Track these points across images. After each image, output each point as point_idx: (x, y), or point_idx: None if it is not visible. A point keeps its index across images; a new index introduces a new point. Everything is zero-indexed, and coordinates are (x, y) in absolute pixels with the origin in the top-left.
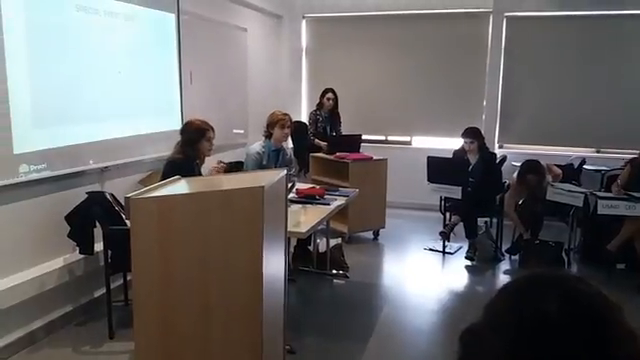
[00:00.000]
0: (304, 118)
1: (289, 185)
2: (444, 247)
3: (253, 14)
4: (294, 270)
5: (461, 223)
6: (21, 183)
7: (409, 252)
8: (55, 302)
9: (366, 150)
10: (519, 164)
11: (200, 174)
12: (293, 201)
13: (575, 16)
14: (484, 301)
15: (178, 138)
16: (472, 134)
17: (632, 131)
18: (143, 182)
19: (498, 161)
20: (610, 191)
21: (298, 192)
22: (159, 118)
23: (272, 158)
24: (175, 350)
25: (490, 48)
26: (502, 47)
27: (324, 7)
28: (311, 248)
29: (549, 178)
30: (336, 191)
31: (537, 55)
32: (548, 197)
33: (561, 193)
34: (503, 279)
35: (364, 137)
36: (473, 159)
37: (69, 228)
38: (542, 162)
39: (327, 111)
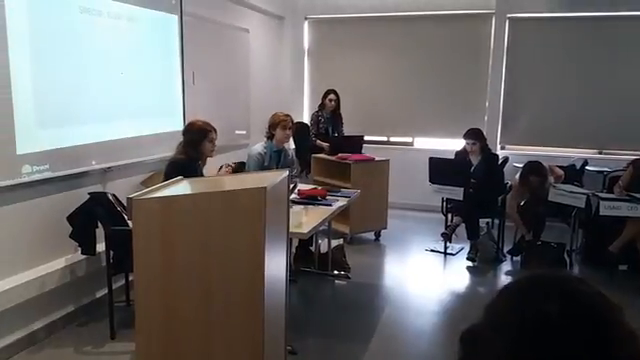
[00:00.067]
0: (306, 119)
1: (291, 186)
2: (446, 248)
3: (255, 15)
4: (296, 271)
5: (463, 224)
6: (24, 183)
7: (411, 253)
8: (57, 302)
9: (368, 151)
10: (521, 165)
11: (202, 175)
12: (295, 202)
13: (577, 17)
14: (485, 302)
15: (180, 139)
16: (474, 135)
17: (634, 132)
18: (145, 183)
19: (500, 162)
20: (612, 192)
21: (300, 193)
22: (161, 119)
23: (274, 159)
24: (176, 350)
25: (492, 49)
26: (504, 48)
27: (326, 8)
28: (313, 249)
29: (551, 179)
30: (338, 192)
31: (539, 56)
32: (550, 198)
33: (563, 194)
34: (505, 280)
35: (366, 138)
36: (475, 160)
37: (71, 228)
38: (544, 163)
39: (329, 112)
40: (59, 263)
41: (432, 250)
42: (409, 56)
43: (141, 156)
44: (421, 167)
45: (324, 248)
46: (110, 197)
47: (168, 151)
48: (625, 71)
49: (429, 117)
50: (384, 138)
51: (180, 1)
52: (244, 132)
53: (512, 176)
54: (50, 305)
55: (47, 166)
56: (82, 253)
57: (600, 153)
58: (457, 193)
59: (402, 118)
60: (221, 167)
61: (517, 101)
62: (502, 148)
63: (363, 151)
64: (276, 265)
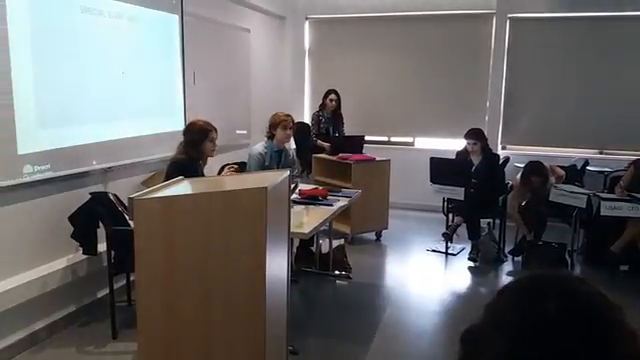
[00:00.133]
0: (307, 119)
1: (292, 186)
2: (447, 248)
3: (256, 15)
4: (297, 271)
5: (464, 224)
6: (25, 183)
7: (412, 253)
8: (58, 302)
9: (369, 151)
10: (522, 165)
11: (203, 175)
12: (296, 202)
13: (578, 17)
14: (486, 302)
15: (181, 139)
16: (475, 135)
17: (635, 132)
18: (146, 183)
19: (501, 162)
20: (613, 192)
21: (301, 193)
22: (162, 119)
23: (274, 159)
24: (178, 349)
25: (493, 49)
26: (505, 48)
27: (327, 8)
28: (314, 249)
29: (552, 179)
30: (339, 192)
31: (540, 56)
32: (551, 198)
33: (564, 194)
34: (506, 280)
35: (367, 138)
36: (476, 160)
37: (72, 228)
38: (545, 163)
39: (330, 112)
40: (60, 263)
41: (433, 250)
42: (410, 56)
43: (142, 156)
44: (422, 167)
45: (325, 248)
46: (111, 197)
47: (169, 151)
48: (626, 71)
49: (430, 117)
50: (385, 138)
51: (181, 1)
52: (245, 132)
53: (513, 176)
54: (51, 305)
55: (48, 166)
56: (83, 253)
57: (601, 153)
58: (458, 193)
59: (403, 118)
60: (223, 168)
61: (518, 101)
62: (503, 148)
63: (364, 151)
64: (277, 265)
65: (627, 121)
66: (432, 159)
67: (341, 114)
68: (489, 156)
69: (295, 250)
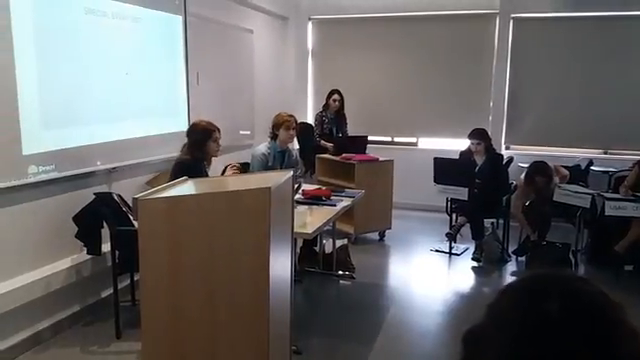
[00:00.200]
0: (310, 119)
1: (295, 186)
2: (450, 248)
3: (259, 16)
4: (300, 271)
5: (467, 224)
6: (30, 184)
7: (415, 253)
8: (62, 302)
9: (372, 151)
10: (526, 165)
11: (207, 175)
12: (299, 202)
13: (582, 17)
14: (489, 302)
15: (185, 139)
16: (479, 135)
17: (639, 132)
18: (150, 183)
19: (505, 162)
20: (618, 192)
21: (304, 193)
22: (166, 119)
23: (278, 159)
24: (182, 349)
25: (497, 49)
26: (509, 48)
27: (330, 9)
28: (317, 249)
29: (556, 179)
30: (342, 192)
31: (544, 56)
32: (555, 198)
33: (568, 194)
34: (510, 280)
35: (370, 138)
36: (480, 160)
37: (77, 229)
38: (549, 163)
39: (333, 112)
40: (65, 263)
41: (437, 250)
42: (413, 56)
43: (146, 156)
44: (425, 167)
45: (329, 248)
46: (115, 197)
47: (173, 151)
48: (630, 71)
49: (433, 117)
50: (388, 138)
51: (184, 2)
52: (248, 132)
53: (517, 176)
54: (56, 305)
55: (53, 166)
56: (88, 253)
57: (605, 153)
58: (462, 193)
59: (406, 118)
60: (225, 168)
61: (522, 101)
62: (507, 148)
63: (367, 151)
64: (281, 265)
65: (631, 121)
66: (436, 159)
67: (344, 114)
68: (493, 156)
69: (299, 250)
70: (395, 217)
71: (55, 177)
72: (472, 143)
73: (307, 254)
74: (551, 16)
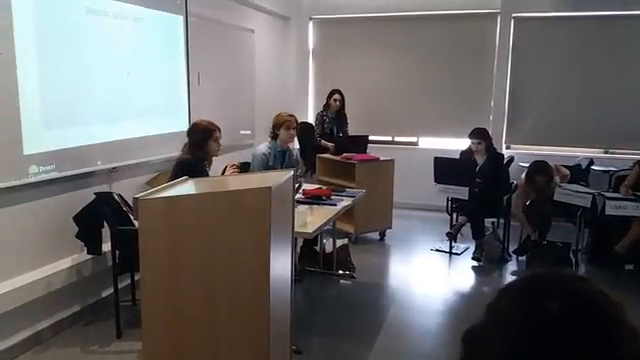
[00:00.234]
0: (311, 119)
1: (296, 186)
2: (451, 248)
3: (260, 16)
4: (301, 270)
5: (468, 224)
6: (30, 184)
7: (416, 253)
8: (63, 302)
9: (373, 151)
10: (526, 165)
11: (208, 175)
12: (300, 202)
13: (583, 17)
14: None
15: (186, 139)
16: (479, 135)
17: None
18: (150, 183)
19: (505, 162)
20: (618, 192)
21: (305, 193)
22: (167, 119)
23: (278, 159)
24: (182, 349)
25: (497, 49)
26: (510, 48)
27: (331, 8)
28: (318, 248)
29: (557, 179)
30: (343, 192)
31: (545, 56)
32: (556, 198)
33: (569, 194)
34: (510, 280)
35: (371, 138)
36: (480, 160)
37: (77, 228)
38: (550, 163)
39: (334, 112)
40: (65, 263)
41: (437, 250)
42: (414, 56)
43: (146, 156)
44: (426, 167)
45: (329, 248)
46: (116, 197)
47: (173, 151)
48: (631, 70)
49: (434, 117)
50: (389, 138)
51: (185, 2)
52: (249, 132)
53: (517, 176)
54: (56, 305)
55: (53, 166)
56: (88, 253)
57: (606, 153)
58: (462, 193)
59: (407, 118)
60: (226, 167)
61: (522, 100)
62: (507, 147)
63: (368, 151)
64: (281, 265)
65: (632, 120)
66: (436, 159)
67: (345, 114)
68: (493, 156)
69: (299, 250)
70: (395, 217)
71: (56, 177)
72: (473, 143)
73: (307, 254)
74: (552, 16)
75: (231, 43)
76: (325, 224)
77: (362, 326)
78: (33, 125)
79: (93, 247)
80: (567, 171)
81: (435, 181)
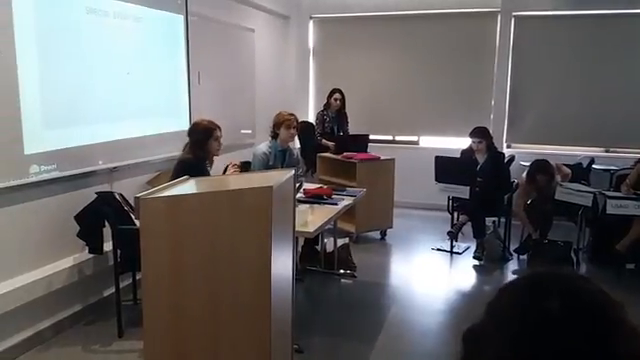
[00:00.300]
0: (311, 118)
1: (297, 185)
2: (452, 247)
3: (260, 15)
4: (302, 269)
5: (469, 223)
6: (31, 183)
7: (417, 252)
8: (64, 301)
9: (373, 150)
10: (527, 164)
11: (209, 174)
12: (301, 201)
13: (583, 15)
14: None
15: (186, 138)
16: (480, 134)
17: None
18: (151, 182)
19: (506, 161)
20: (619, 191)
21: (306, 192)
22: (167, 118)
23: (279, 158)
24: (184, 348)
25: (498, 47)
26: (510, 46)
27: (331, 7)
28: (319, 248)
29: (558, 178)
30: (343, 191)
31: (545, 54)
32: (557, 197)
33: (570, 193)
34: (511, 279)
35: (371, 137)
36: (481, 159)
37: (79, 228)
38: (551, 162)
39: (334, 111)
40: (67, 262)
41: (438, 249)
42: (414, 55)
43: (147, 156)
44: (427, 166)
45: (330, 247)
46: (117, 196)
47: (174, 151)
48: (632, 69)
49: (435, 116)
50: (390, 137)
51: (185, 1)
52: (249, 131)
53: (518, 174)
54: (57, 304)
55: (54, 166)
56: (89, 252)
57: (607, 151)
58: (463, 192)
59: (408, 117)
60: (227, 167)
61: (523, 99)
62: (508, 146)
63: (369, 150)
64: (282, 264)
65: (633, 119)
66: (437, 158)
67: (345, 113)
68: (494, 155)
69: (300, 249)
70: (396, 216)
71: (57, 176)
72: (473, 141)
73: (308, 253)
74: (552, 14)
75: (231, 42)
76: (326, 223)
77: (363, 325)
78: (34, 125)
79: (94, 246)
80: (568, 170)
81: (436, 180)
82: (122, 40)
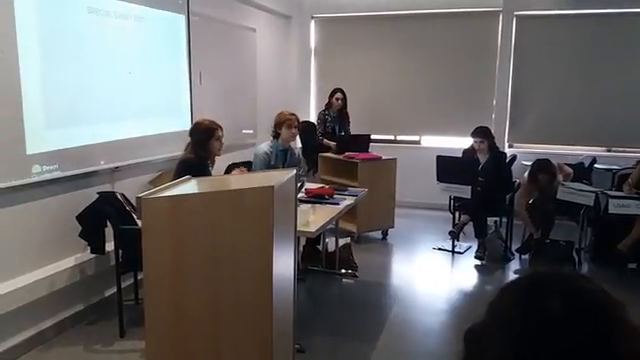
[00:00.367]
0: (313, 118)
1: (298, 185)
2: (453, 247)
3: (262, 15)
4: (303, 269)
5: (471, 222)
6: (33, 183)
7: (418, 252)
8: (66, 301)
9: (375, 150)
10: (529, 163)
11: (210, 174)
12: (302, 201)
13: (585, 14)
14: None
15: (188, 138)
16: (482, 133)
17: None
18: (153, 182)
19: (508, 160)
20: (621, 190)
21: (307, 192)
22: (169, 118)
23: (280, 158)
24: (186, 348)
25: (500, 47)
26: (512, 46)
27: (333, 7)
28: (320, 247)
29: (560, 177)
30: (345, 191)
31: (547, 54)
32: (559, 196)
33: (572, 192)
34: (512, 279)
35: (373, 137)
36: (483, 158)
37: (81, 228)
38: (553, 161)
39: (336, 111)
40: (68, 262)
41: (440, 249)
42: (416, 54)
43: (149, 156)
44: (428, 165)
45: (331, 247)
46: (119, 196)
47: (176, 151)
48: (634, 68)
49: (436, 115)
50: (391, 137)
51: (187, 1)
52: (251, 131)
53: (520, 174)
54: (59, 304)
55: (56, 166)
56: (91, 252)
57: (609, 151)
58: (465, 191)
59: (409, 116)
60: (230, 168)
61: (525, 99)
62: (510, 146)
63: (370, 150)
64: (284, 264)
65: (635, 119)
66: (439, 157)
67: (347, 113)
68: (496, 154)
69: (302, 249)
70: (398, 215)
71: (59, 176)
72: (475, 141)
73: (310, 253)
74: (554, 13)
75: (233, 42)
76: (328, 223)
77: (365, 325)
78: (36, 125)
79: (96, 246)
80: (570, 169)
81: (437, 180)
82: (124, 40)
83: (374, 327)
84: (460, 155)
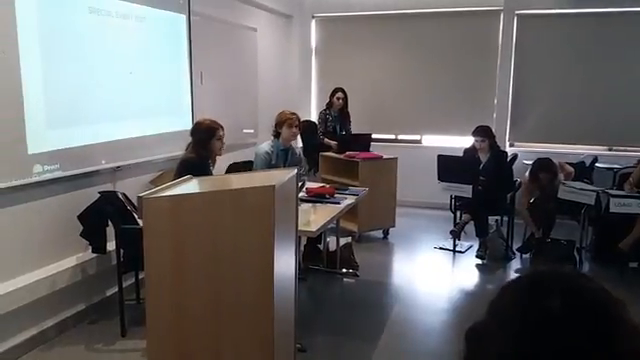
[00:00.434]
0: (314, 117)
1: (299, 184)
2: (454, 246)
3: (263, 14)
4: (304, 269)
5: (472, 222)
6: (35, 183)
7: (419, 251)
8: (67, 301)
9: (376, 149)
10: (530, 162)
11: (212, 174)
12: (303, 200)
13: (586, 13)
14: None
15: (189, 138)
16: (483, 132)
17: None
18: (154, 182)
19: (509, 159)
20: (622, 189)
21: (308, 191)
22: (170, 118)
23: (281, 157)
24: (187, 347)
25: (500, 46)
26: (513, 45)
27: (333, 6)
28: (321, 247)
29: (561, 176)
30: (346, 190)
31: (548, 53)
32: (560, 195)
33: (573, 191)
34: (513, 277)
35: (374, 136)
36: (484, 158)
37: (82, 227)
38: (554, 160)
39: (337, 110)
40: (70, 262)
41: (441, 248)
42: (417, 54)
43: (150, 155)
44: (429, 165)
45: (332, 246)
46: (120, 196)
47: (177, 150)
48: (635, 67)
49: (437, 115)
50: (392, 136)
51: (188, 1)
52: (252, 131)
53: (521, 173)
54: (61, 303)
55: (57, 166)
56: (93, 252)
57: (610, 150)
58: (466, 191)
59: (410, 116)
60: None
61: (526, 98)
62: (511, 145)
63: (371, 149)
64: (285, 263)
65: (636, 118)
66: (440, 157)
67: (348, 112)
68: (497, 153)
69: (303, 248)
70: (399, 215)
71: (60, 176)
72: (476, 140)
73: (311, 252)
74: (555, 12)
75: (234, 42)
76: (328, 222)
77: (366, 324)
78: (37, 124)
79: (98, 246)
80: (571, 168)
81: (438, 179)
82: (125, 40)
83: (375, 326)
84: (461, 154)
